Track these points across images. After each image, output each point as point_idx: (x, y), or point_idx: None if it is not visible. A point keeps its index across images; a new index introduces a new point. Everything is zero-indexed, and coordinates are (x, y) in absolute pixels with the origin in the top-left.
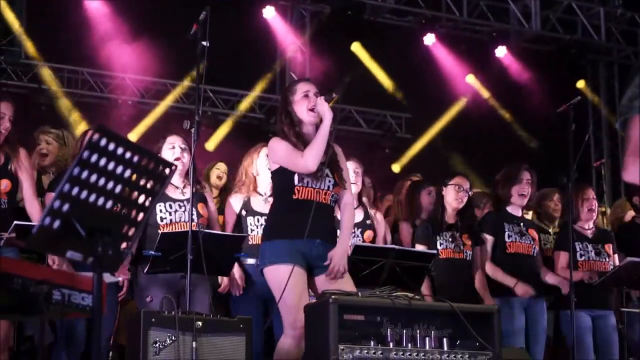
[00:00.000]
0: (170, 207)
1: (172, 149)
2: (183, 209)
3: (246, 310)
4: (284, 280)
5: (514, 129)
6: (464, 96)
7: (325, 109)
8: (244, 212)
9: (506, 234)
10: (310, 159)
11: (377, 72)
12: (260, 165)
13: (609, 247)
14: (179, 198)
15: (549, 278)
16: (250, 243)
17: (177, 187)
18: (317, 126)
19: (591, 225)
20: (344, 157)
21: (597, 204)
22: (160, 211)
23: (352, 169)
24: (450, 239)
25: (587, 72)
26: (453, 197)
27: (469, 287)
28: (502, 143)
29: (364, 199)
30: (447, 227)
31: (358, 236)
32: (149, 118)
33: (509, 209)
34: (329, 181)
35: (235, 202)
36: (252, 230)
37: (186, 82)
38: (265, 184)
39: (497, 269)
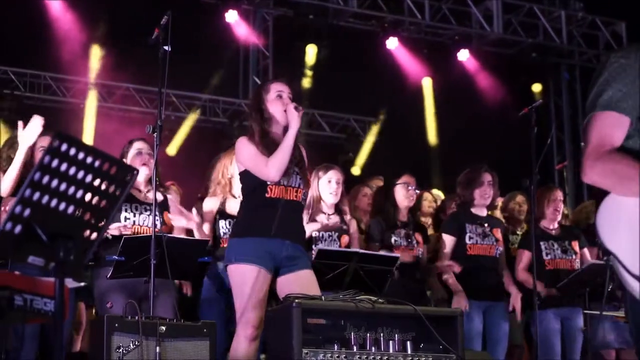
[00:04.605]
0: (136, 208)
1: (139, 155)
2: (148, 212)
3: (213, 313)
4: (248, 280)
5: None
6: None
7: (294, 118)
8: (217, 216)
9: (467, 235)
10: (273, 170)
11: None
12: (235, 167)
13: (576, 244)
14: (143, 201)
15: (509, 286)
16: (222, 246)
17: (140, 191)
18: (286, 128)
19: (555, 225)
20: (306, 160)
21: (562, 206)
22: (125, 210)
23: (334, 179)
24: (404, 237)
25: (549, 75)
26: (403, 195)
27: (419, 284)
28: (465, 145)
29: (344, 207)
30: (401, 225)
31: (335, 240)
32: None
33: (473, 210)
34: (299, 179)
35: (211, 203)
36: (224, 234)
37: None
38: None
39: (448, 271)
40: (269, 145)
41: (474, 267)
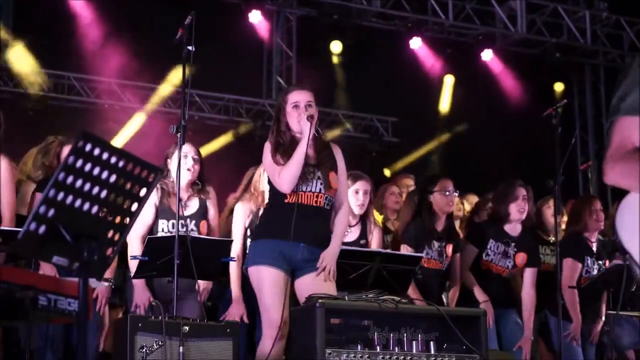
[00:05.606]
0: (173, 226)
1: (185, 158)
2: (184, 229)
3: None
4: (263, 280)
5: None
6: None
7: (305, 129)
8: (249, 232)
9: (486, 251)
10: (284, 181)
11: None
12: (265, 181)
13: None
14: (181, 214)
15: (525, 319)
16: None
17: (181, 199)
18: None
19: (595, 237)
20: (341, 158)
21: (603, 216)
22: (162, 230)
23: (361, 190)
24: (436, 250)
25: (573, 75)
26: (444, 202)
27: (438, 294)
28: (488, 145)
29: (369, 217)
30: (437, 237)
31: (364, 247)
32: (135, 123)
33: (507, 226)
34: (320, 183)
35: (241, 211)
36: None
37: (169, 86)
38: None
39: (473, 281)
40: (284, 156)
41: (484, 278)
